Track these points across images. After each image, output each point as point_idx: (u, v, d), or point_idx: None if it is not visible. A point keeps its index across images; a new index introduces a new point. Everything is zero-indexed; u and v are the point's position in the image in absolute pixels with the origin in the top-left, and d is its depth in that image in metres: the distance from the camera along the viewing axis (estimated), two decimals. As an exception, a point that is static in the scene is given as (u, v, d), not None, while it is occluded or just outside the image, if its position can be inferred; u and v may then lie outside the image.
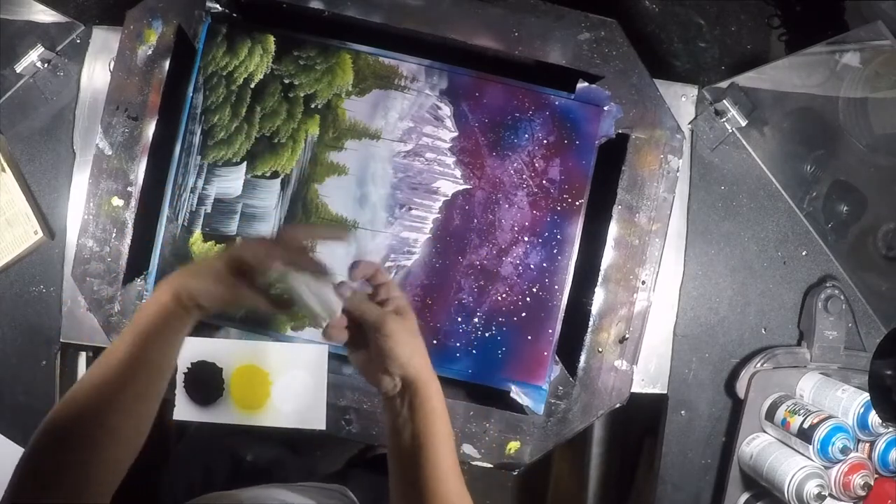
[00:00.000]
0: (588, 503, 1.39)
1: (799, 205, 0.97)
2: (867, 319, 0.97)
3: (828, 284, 0.94)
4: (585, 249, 0.87)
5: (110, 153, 0.84)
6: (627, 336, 0.86)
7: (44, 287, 0.92)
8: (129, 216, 0.84)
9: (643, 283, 0.86)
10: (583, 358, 0.86)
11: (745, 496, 0.93)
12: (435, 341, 0.85)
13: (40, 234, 0.91)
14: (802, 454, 0.85)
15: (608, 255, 0.86)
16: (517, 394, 0.86)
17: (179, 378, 0.84)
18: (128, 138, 0.84)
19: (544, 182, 0.86)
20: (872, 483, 0.83)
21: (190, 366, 0.84)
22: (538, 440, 0.87)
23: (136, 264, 0.85)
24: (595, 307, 0.86)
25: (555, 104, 0.86)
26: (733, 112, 0.93)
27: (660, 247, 0.87)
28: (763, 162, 0.97)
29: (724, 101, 0.93)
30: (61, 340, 0.92)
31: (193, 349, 0.84)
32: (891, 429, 0.84)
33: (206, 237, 0.85)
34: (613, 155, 0.87)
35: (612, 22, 0.86)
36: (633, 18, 1.51)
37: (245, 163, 0.85)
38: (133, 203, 0.84)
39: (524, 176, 0.86)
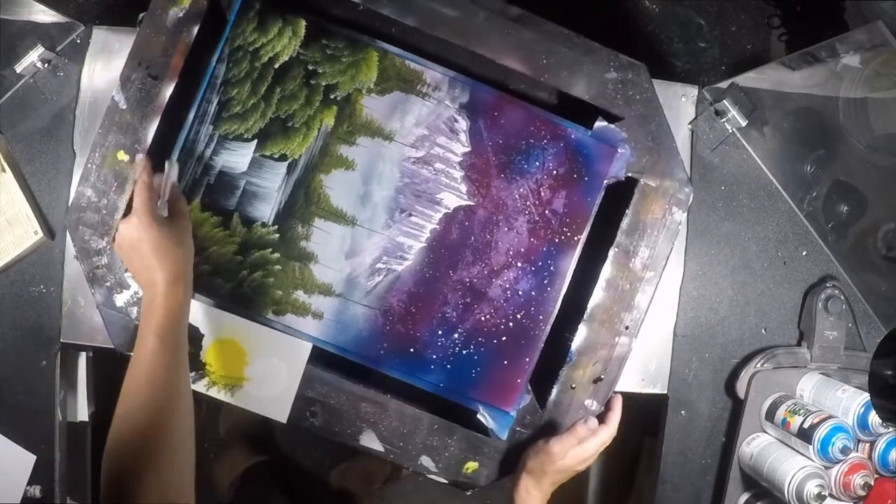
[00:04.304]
0: (588, 503, 1.39)
1: (799, 205, 0.96)
2: (867, 319, 0.97)
3: (828, 284, 0.94)
4: (575, 284, 0.87)
5: (124, 107, 0.84)
6: (602, 377, 0.86)
7: (44, 287, 0.91)
8: (132, 173, 0.84)
9: (626, 328, 0.86)
10: (555, 391, 0.86)
11: (745, 496, 0.93)
12: (412, 349, 0.85)
13: (40, 234, 0.90)
14: (802, 454, 0.85)
15: (597, 295, 0.86)
16: (483, 415, 0.86)
17: None
18: (144, 96, 0.84)
19: (547, 212, 0.86)
20: (872, 483, 0.84)
21: None
22: (496, 464, 0.87)
23: (131, 222, 0.85)
24: (575, 343, 0.86)
25: (570, 137, 0.86)
26: (733, 112, 0.93)
27: (650, 295, 0.87)
28: (763, 162, 0.97)
29: (724, 101, 0.93)
30: (61, 340, 0.91)
31: None
32: (891, 429, 0.84)
33: (205, 207, 0.85)
34: (619, 196, 0.87)
35: (641, 66, 0.86)
36: (633, 18, 1.50)
37: (256, 140, 0.85)
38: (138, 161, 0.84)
39: (528, 202, 0.86)
